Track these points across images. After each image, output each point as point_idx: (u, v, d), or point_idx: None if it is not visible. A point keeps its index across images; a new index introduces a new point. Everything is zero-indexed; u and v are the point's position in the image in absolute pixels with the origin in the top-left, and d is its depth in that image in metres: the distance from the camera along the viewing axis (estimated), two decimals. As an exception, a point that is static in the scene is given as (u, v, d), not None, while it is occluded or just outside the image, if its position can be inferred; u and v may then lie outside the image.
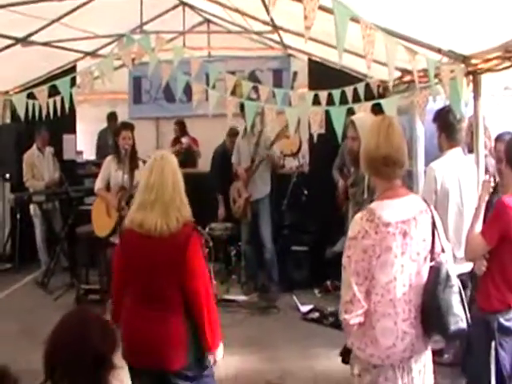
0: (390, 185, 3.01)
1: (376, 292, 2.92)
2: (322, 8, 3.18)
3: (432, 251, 3.01)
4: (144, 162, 7.26)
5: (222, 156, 8.66)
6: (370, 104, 4.67)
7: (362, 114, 4.73)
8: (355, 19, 3.09)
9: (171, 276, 3.52)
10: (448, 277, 2.97)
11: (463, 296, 3.01)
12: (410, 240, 2.93)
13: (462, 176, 4.77)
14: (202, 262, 3.62)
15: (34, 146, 9.26)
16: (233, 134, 8.63)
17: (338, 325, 6.53)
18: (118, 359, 2.50)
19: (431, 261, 3.01)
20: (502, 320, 3.74)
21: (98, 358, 2.31)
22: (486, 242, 3.77)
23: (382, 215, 2.89)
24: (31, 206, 9.18)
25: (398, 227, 2.90)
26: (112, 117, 10.78)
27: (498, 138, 4.65)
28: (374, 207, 2.95)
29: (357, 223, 2.93)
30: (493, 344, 3.76)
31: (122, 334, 3.62)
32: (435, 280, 2.96)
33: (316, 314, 7.21)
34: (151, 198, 3.56)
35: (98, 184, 7.20)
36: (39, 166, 9.23)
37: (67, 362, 2.28)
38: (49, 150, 9.38)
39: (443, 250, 3.06)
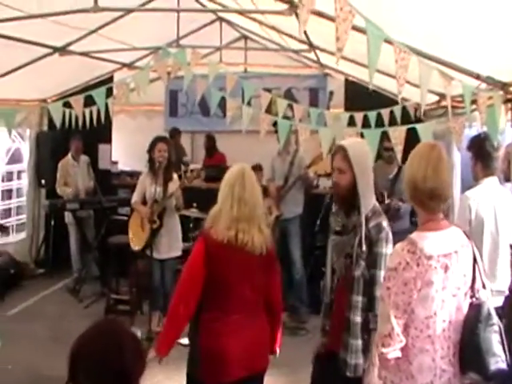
0: (432, 217, 2.93)
1: (415, 326, 2.84)
2: (356, 29, 3.11)
3: (472, 287, 2.92)
4: (180, 175, 7.31)
5: None
6: (404, 128, 4.55)
7: (355, 139, 4.16)
8: (390, 41, 3.02)
9: (262, 288, 3.81)
10: (489, 315, 2.88)
11: (503, 335, 2.90)
12: (451, 274, 2.84)
13: (497, 206, 4.62)
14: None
15: (69, 155, 9.35)
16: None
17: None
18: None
19: (471, 297, 2.92)
20: None
21: (125, 376, 2.24)
22: None
23: (424, 247, 2.81)
24: (66, 214, 9.23)
25: (439, 261, 2.82)
26: (175, 132, 10.69)
27: None
28: (415, 239, 2.87)
29: (398, 254, 2.85)
30: None
31: (209, 354, 3.68)
32: (476, 318, 2.86)
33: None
34: (246, 212, 3.67)
35: (134, 197, 7.26)
36: (73, 175, 9.30)
37: (91, 370, 2.21)
38: (84, 158, 9.45)
39: (484, 286, 2.96)
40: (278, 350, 4.17)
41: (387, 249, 3.47)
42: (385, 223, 3.53)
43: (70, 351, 2.26)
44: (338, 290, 3.69)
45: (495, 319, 2.89)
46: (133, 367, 2.25)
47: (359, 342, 3.48)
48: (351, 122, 5.84)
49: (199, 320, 3.70)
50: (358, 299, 3.50)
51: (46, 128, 9.92)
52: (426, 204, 2.90)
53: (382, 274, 3.40)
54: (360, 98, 7.67)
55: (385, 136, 4.72)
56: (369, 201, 3.58)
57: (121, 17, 6.67)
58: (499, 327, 2.89)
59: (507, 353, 2.89)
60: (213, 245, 3.66)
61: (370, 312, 3.44)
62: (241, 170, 3.78)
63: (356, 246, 3.50)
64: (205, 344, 3.68)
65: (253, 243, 3.64)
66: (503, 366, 2.85)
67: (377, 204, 3.65)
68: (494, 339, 2.85)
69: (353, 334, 3.48)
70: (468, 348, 2.86)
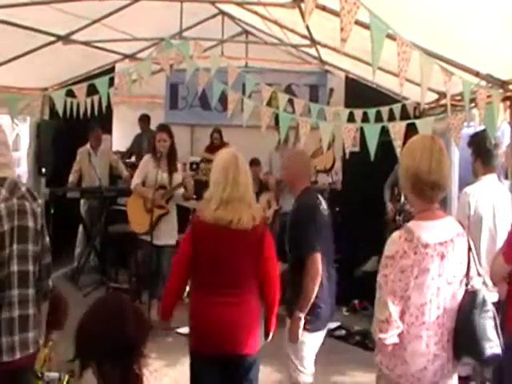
0: (428, 206, 2.99)
1: (410, 313, 2.90)
2: (359, 24, 3.15)
3: (467, 275, 2.99)
4: (184, 164, 7.31)
5: None
6: (404, 124, 4.59)
7: None
8: (392, 37, 3.06)
9: (252, 264, 3.92)
10: (484, 302, 2.95)
11: (497, 321, 2.98)
12: (447, 262, 2.91)
13: (496, 202, 4.68)
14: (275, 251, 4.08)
15: (88, 144, 9.41)
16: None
17: (363, 344, 6.75)
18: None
19: (466, 284, 2.99)
20: None
21: (129, 345, 2.30)
22: (504, 260, 3.68)
23: (421, 236, 2.88)
24: (82, 203, 9.35)
25: (436, 249, 2.88)
26: (144, 118, 10.80)
27: None
28: (412, 227, 2.93)
29: (395, 242, 2.92)
30: None
31: (196, 324, 3.92)
32: (471, 304, 2.94)
33: (343, 332, 7.32)
34: (238, 194, 3.83)
35: (136, 180, 7.23)
36: (87, 165, 9.27)
37: (98, 343, 2.28)
38: (103, 148, 9.57)
39: (479, 274, 3.03)
40: (270, 335, 4.22)
41: None
42: None
43: (76, 328, 2.32)
44: None
45: (489, 306, 2.96)
46: (135, 336, 2.31)
47: None
48: (351, 119, 5.86)
49: (193, 293, 4.00)
50: None
51: (46, 117, 9.91)
52: (427, 194, 2.97)
53: None
54: (360, 95, 7.74)
55: (385, 131, 4.76)
56: None
57: (125, 7, 6.67)
58: (493, 313, 2.96)
59: (501, 338, 2.96)
60: (200, 226, 3.89)
61: None
62: (233, 153, 3.96)
63: None
64: (194, 312, 3.94)
65: (240, 220, 3.81)
66: (498, 350, 2.93)
67: None
68: (488, 325, 2.92)
69: None
70: (463, 334, 2.93)
